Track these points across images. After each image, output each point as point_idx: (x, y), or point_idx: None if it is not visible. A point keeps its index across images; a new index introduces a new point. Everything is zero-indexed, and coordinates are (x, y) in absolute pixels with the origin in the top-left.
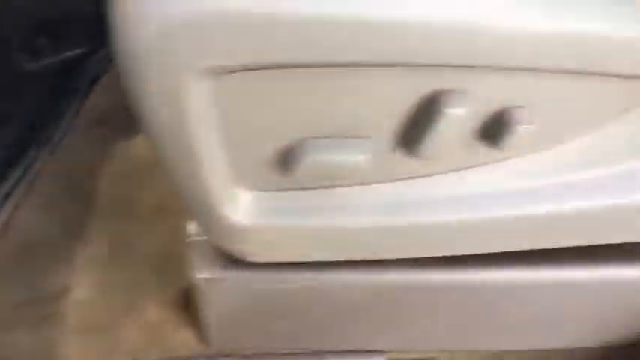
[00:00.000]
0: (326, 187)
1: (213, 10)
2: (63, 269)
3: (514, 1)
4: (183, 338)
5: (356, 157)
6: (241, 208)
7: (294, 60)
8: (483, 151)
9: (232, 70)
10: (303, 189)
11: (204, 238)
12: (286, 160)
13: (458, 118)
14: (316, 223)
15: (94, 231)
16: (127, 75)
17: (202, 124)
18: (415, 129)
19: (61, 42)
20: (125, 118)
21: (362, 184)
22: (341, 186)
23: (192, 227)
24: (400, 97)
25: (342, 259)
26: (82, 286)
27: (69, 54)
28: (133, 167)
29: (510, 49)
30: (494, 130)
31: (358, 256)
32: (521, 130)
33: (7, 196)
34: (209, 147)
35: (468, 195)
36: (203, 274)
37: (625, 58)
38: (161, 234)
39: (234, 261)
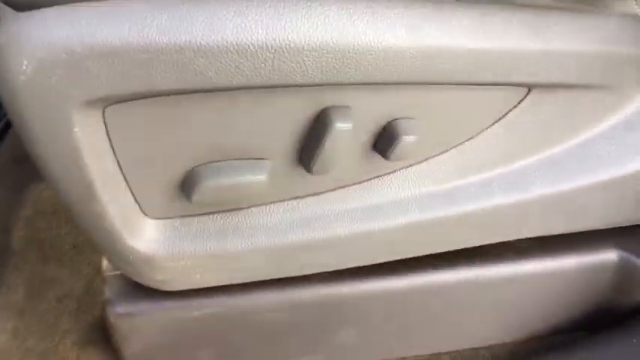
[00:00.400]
0: (229, 210)
1: (87, 45)
2: None
3: (385, 21)
4: None
5: (253, 179)
6: (147, 237)
7: (175, 87)
8: (377, 163)
9: (116, 101)
10: (207, 213)
11: (119, 272)
12: (186, 186)
13: (346, 132)
14: (223, 246)
15: (10, 276)
16: (11, 114)
17: (96, 156)
18: (307, 147)
19: None
20: None
21: (264, 204)
22: (244, 207)
23: (107, 262)
24: (289, 117)
25: (254, 279)
26: None
27: None
28: (49, 207)
29: (388, 67)
30: (382, 142)
31: (268, 276)
32: (407, 140)
33: None
34: (106, 179)
35: (369, 206)
36: (116, 308)
37: (496, 68)
38: (80, 273)
39: (149, 292)
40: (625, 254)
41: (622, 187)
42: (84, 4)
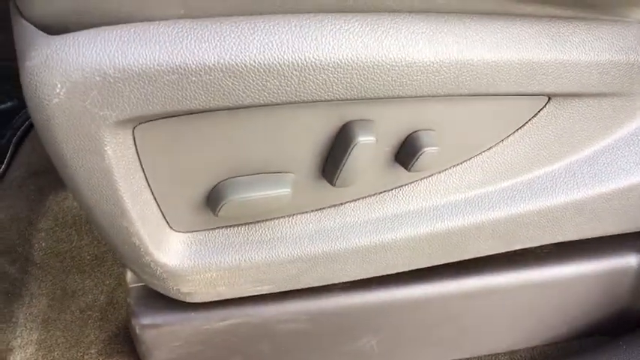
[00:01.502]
0: (253, 222)
1: (119, 67)
2: (3, 330)
3: (408, 37)
4: None
5: (278, 192)
6: (173, 251)
7: (203, 106)
8: (399, 173)
9: (146, 120)
10: (232, 226)
11: (143, 283)
12: (212, 200)
13: (368, 146)
14: (247, 257)
15: (33, 287)
16: (43, 135)
17: (125, 174)
18: (331, 160)
19: None
20: None
21: (287, 216)
22: (267, 220)
23: (131, 274)
24: (313, 131)
25: (277, 290)
26: (25, 346)
27: None
28: (70, 218)
29: (411, 81)
30: (404, 154)
31: (291, 287)
32: (429, 152)
33: None
34: (135, 195)
35: (390, 216)
36: (141, 320)
37: (516, 79)
38: (102, 283)
39: (173, 304)
40: None
41: None
42: (115, 26)
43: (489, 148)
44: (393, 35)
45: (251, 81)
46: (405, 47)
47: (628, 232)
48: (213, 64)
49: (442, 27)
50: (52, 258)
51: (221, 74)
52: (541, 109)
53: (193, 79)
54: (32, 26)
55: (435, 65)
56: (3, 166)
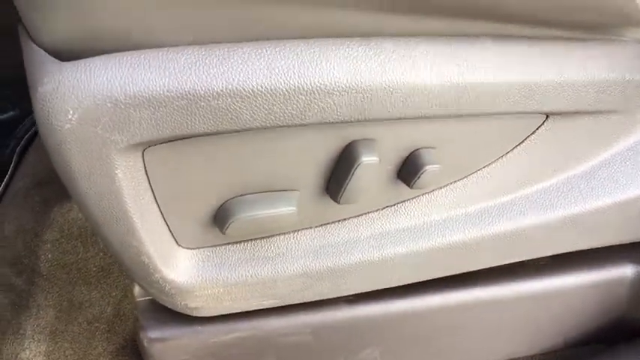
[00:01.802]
0: (259, 238)
1: (129, 94)
2: (11, 341)
3: (410, 60)
4: None
5: (283, 210)
6: (181, 267)
7: (211, 130)
8: (401, 190)
9: (155, 143)
10: (238, 242)
11: (151, 297)
12: (219, 218)
13: (371, 165)
14: (253, 273)
15: (42, 299)
16: (55, 158)
17: (135, 194)
18: (335, 179)
19: None
20: None
21: (293, 231)
22: (274, 235)
23: (138, 287)
24: (317, 150)
25: (283, 304)
26: (33, 358)
27: (1, 117)
28: (76, 230)
29: (413, 103)
30: (406, 171)
31: (297, 300)
32: (430, 170)
33: None
34: (144, 214)
35: (393, 230)
36: (149, 333)
37: (516, 99)
38: (109, 295)
39: (181, 317)
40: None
41: (638, 206)
42: (125, 53)
43: (489, 164)
44: (395, 59)
45: (258, 105)
46: (407, 71)
47: (625, 242)
48: (222, 90)
49: (443, 50)
50: (59, 269)
51: (229, 99)
52: (539, 127)
53: (202, 104)
54: (43, 52)
55: (436, 88)
56: (7, 177)
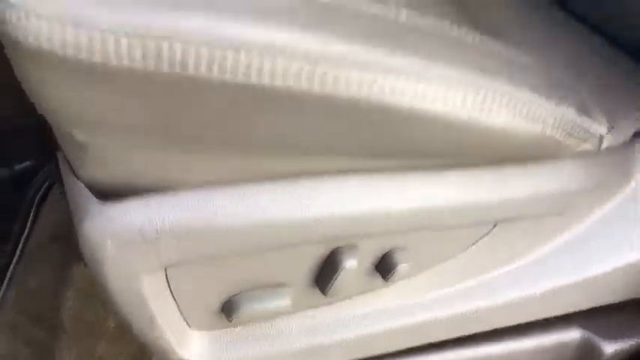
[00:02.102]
0: (264, 320)
1: (158, 230)
2: None
3: (385, 194)
4: None
5: (280, 303)
6: (194, 347)
7: (226, 254)
8: (377, 280)
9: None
10: (244, 324)
11: None
12: (225, 310)
13: (353, 267)
14: (256, 351)
15: (62, 353)
16: (96, 273)
17: (156, 296)
18: (322, 277)
19: (9, 156)
20: None
21: (288, 313)
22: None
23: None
24: (306, 257)
25: None
26: None
27: (18, 167)
28: (95, 288)
29: (389, 224)
30: (382, 267)
31: None
32: (403, 267)
33: None
34: (163, 310)
35: (374, 310)
36: None
37: (469, 216)
38: (127, 351)
39: None
40: (587, 333)
41: (581, 289)
42: (157, 194)
43: (450, 259)
44: (369, 194)
45: (258, 235)
46: (380, 202)
47: (574, 310)
48: (235, 226)
49: (409, 184)
50: (79, 324)
51: (239, 234)
52: (490, 231)
53: (219, 237)
54: (85, 189)
55: (405, 213)
56: (27, 230)
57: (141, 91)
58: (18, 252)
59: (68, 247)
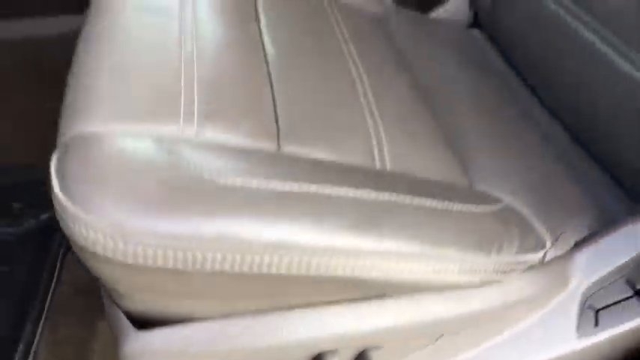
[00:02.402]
0: None
1: (183, 352)
2: None
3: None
4: None
5: None
6: None
7: None
8: None
9: None
10: None
11: None
12: None
13: None
14: None
15: None
16: None
17: None
18: None
19: (36, 204)
20: None
21: None
22: None
23: None
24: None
25: None
26: None
27: (43, 217)
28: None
29: (363, 338)
30: None
31: None
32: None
33: None
34: None
35: None
36: None
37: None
38: None
39: None
40: None
41: None
42: (182, 325)
43: (419, 350)
44: (347, 318)
45: (265, 354)
46: (355, 324)
47: None
48: (234, 348)
49: (372, 311)
50: None
51: (249, 354)
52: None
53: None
54: (124, 317)
55: (367, 331)
56: (54, 281)
57: (171, 278)
58: (47, 304)
59: (92, 302)
